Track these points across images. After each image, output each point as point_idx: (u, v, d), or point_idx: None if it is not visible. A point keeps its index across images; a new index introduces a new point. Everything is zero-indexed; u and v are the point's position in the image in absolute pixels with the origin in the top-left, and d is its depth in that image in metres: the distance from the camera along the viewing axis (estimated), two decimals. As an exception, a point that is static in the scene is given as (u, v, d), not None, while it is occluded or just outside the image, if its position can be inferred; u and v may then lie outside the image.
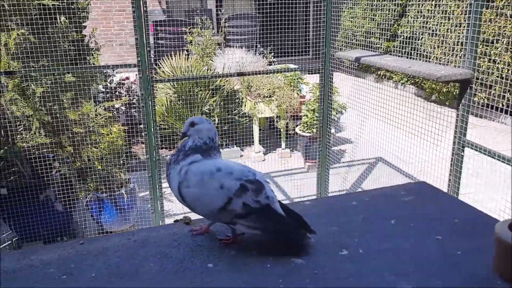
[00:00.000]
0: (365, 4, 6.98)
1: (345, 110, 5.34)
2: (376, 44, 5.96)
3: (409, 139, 3.57)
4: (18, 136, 3.53)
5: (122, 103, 5.67)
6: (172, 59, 5.75)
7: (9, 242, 3.82)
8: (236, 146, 5.67)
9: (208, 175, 1.16)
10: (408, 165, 4.51)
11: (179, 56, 5.76)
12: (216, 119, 5.48)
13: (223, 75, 4.70)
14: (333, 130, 5.19)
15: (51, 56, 3.43)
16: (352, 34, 6.58)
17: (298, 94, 5.65)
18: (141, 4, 3.10)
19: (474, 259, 1.08)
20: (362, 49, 4.07)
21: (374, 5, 6.35)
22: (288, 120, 5.45)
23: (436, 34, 5.72)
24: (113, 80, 5.88)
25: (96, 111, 3.78)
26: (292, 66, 5.70)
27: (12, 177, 3.74)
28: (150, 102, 3.26)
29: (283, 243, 1.14)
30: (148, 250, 1.16)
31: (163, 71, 5.75)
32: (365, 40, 5.43)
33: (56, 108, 3.54)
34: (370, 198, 1.41)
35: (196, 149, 1.21)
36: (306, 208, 1.36)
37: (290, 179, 4.89)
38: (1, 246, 3.73)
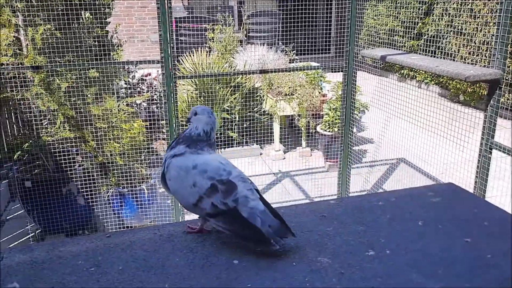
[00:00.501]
0: (389, 2, 6.89)
1: (367, 109, 5.29)
2: (400, 42, 5.88)
3: (432, 140, 3.51)
4: (43, 130, 3.59)
5: (144, 99, 5.73)
6: (193, 55, 5.77)
7: (33, 234, 3.90)
8: (256, 144, 5.66)
9: (184, 171, 1.18)
10: (431, 167, 4.44)
11: (201, 52, 5.78)
12: (237, 117, 5.49)
13: (245, 72, 4.70)
14: (354, 130, 5.14)
15: (76, 52, 3.47)
16: (375, 32, 6.51)
17: (319, 93, 5.62)
18: (166, 0, 3.12)
19: (506, 263, 1.05)
20: (385, 47, 4.03)
21: (398, 3, 6.27)
22: (309, 118, 5.42)
23: (462, 33, 5.61)
24: (134, 76, 5.93)
25: (118, 106, 3.82)
26: (313, 64, 5.66)
27: (36, 171, 3.82)
28: (172, 98, 3.27)
29: (252, 246, 1.12)
30: (174, 244, 1.16)
31: (184, 68, 5.78)
32: (388, 39, 5.36)
33: (80, 103, 3.59)
34: (397, 198, 1.39)
35: (188, 139, 1.24)
36: (330, 206, 1.35)
37: (310, 178, 4.86)
38: (24, 238, 3.82)
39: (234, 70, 5.66)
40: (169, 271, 1.04)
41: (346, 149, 3.84)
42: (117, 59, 3.99)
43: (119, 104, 3.84)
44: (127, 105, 3.98)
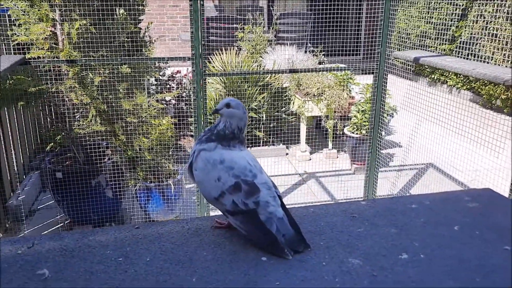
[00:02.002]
0: (421, 5, 6.76)
1: (395, 112, 5.20)
2: (431, 46, 5.75)
3: (463, 145, 3.42)
4: (75, 123, 3.65)
5: (173, 96, 5.78)
6: (223, 54, 5.79)
7: (62, 224, 3.98)
8: (282, 144, 5.64)
9: (211, 164, 1.17)
10: (460, 173, 4.33)
11: (230, 51, 5.79)
12: (264, 116, 5.48)
13: (274, 71, 4.68)
14: (382, 133, 5.06)
15: (109, 47, 3.53)
16: (406, 35, 6.39)
17: (347, 95, 5.55)
18: (199, -1, 3.13)
19: (548, 274, 1.00)
20: (416, 50, 3.94)
21: (431, 6, 6.14)
22: (336, 120, 5.37)
23: (497, 36, 5.44)
24: (165, 73, 6.00)
25: (148, 102, 3.86)
26: (342, 65, 5.60)
27: (67, 162, 3.90)
28: (201, 95, 3.29)
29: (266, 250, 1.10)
30: (202, 238, 1.16)
31: (213, 66, 5.80)
32: (419, 42, 5.25)
33: (112, 98, 3.64)
34: (431, 202, 1.35)
35: (220, 137, 1.21)
36: (362, 207, 1.32)
37: (335, 180, 4.81)
38: (54, 228, 3.90)
39: (264, 69, 5.65)
40: (196, 265, 1.04)
41: (374, 152, 3.78)
42: (148, 56, 4.04)
43: (149, 100, 3.88)
44: (157, 101, 4.02)
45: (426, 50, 3.72)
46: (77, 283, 0.97)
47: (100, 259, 1.06)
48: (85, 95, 3.47)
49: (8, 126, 4.25)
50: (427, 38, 6.01)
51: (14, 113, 4.38)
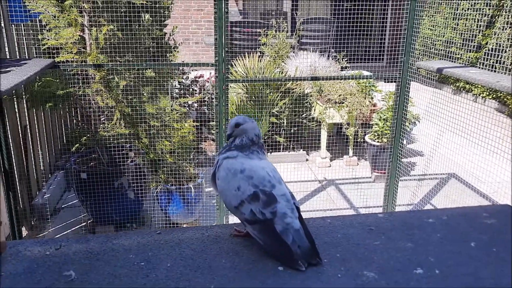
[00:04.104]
0: (447, 13, 6.68)
1: (418, 121, 5.15)
2: (457, 54, 5.69)
3: (486, 157, 3.37)
4: (100, 125, 3.75)
5: (195, 100, 5.86)
6: (245, 59, 5.84)
7: (85, 224, 4.08)
8: (303, 150, 5.65)
9: (232, 173, 1.21)
10: (483, 184, 4.27)
11: (253, 57, 5.84)
12: (285, 122, 5.50)
13: (295, 78, 4.71)
14: (404, 141, 5.02)
15: (135, 52, 3.61)
16: (431, 43, 6.32)
17: (370, 102, 5.53)
18: (223, 5, 3.18)
19: None
20: (440, 58, 3.91)
21: (457, 14, 6.07)
22: (357, 127, 5.35)
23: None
24: (188, 77, 6.08)
25: (171, 106, 3.93)
26: (365, 72, 5.59)
27: (92, 163, 3.99)
28: (223, 100, 3.33)
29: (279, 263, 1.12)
30: (221, 246, 1.19)
31: (236, 71, 5.86)
32: (445, 50, 5.19)
33: (136, 101, 3.72)
34: (449, 217, 1.35)
35: (240, 147, 1.26)
36: (379, 220, 1.33)
37: (355, 187, 4.79)
38: (77, 227, 3.99)
39: (285, 75, 5.68)
40: (215, 273, 1.07)
41: (395, 161, 3.76)
42: (172, 60, 4.12)
43: (172, 104, 3.95)
44: (180, 105, 4.09)
45: (451, 58, 3.68)
46: (101, 286, 1.02)
47: (123, 263, 1.10)
48: (110, 99, 3.56)
49: (36, 126, 4.38)
50: (453, 46, 5.94)
51: (42, 114, 4.51)
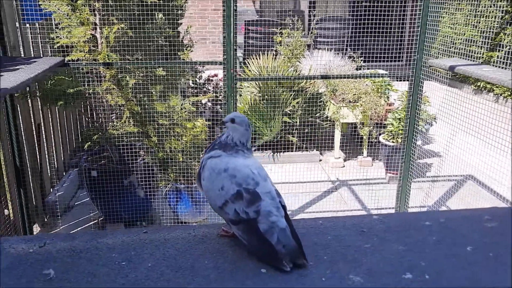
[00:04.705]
0: (468, 10, 6.52)
1: (434, 121, 5.04)
2: (477, 53, 5.54)
3: (504, 160, 3.27)
4: (110, 123, 3.77)
5: (208, 99, 5.86)
6: (259, 58, 5.81)
7: (95, 221, 4.11)
8: (316, 150, 5.59)
9: (216, 173, 1.19)
10: (501, 187, 4.14)
11: (267, 56, 5.80)
12: (297, 121, 5.45)
13: (307, 77, 4.65)
14: (419, 142, 4.92)
15: (146, 50, 3.61)
16: (451, 41, 6.18)
17: (385, 101, 5.44)
18: (232, 4, 3.16)
19: None
20: (460, 57, 3.80)
21: (478, 11, 5.91)
22: (371, 127, 5.26)
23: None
24: (201, 76, 6.08)
25: (182, 105, 3.92)
26: (381, 71, 5.50)
27: (102, 161, 4.02)
28: (232, 100, 3.31)
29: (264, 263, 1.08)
30: (206, 246, 1.16)
31: (250, 70, 5.83)
32: (465, 49, 5.05)
33: (146, 100, 3.73)
34: (447, 219, 1.30)
35: (223, 146, 1.25)
36: (373, 222, 1.28)
37: (368, 188, 4.71)
38: (87, 225, 4.03)
39: (298, 74, 5.62)
40: (196, 273, 1.04)
41: (408, 162, 3.68)
42: (183, 59, 4.11)
43: (182, 103, 3.95)
44: (192, 104, 4.08)
45: (471, 57, 3.57)
46: (80, 285, 1.00)
47: (105, 262, 1.09)
48: (120, 97, 3.57)
49: (51, 124, 4.44)
50: (472, 45, 5.79)
51: (57, 112, 4.57)
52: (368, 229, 1.24)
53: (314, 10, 9.51)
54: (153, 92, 3.75)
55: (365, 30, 4.52)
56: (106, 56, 3.57)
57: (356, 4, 4.69)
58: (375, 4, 4.20)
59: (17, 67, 2.69)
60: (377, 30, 4.39)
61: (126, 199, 3.85)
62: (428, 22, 3.24)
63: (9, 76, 2.42)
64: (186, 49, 4.14)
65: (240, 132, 1.26)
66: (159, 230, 1.24)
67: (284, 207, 1.15)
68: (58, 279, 1.02)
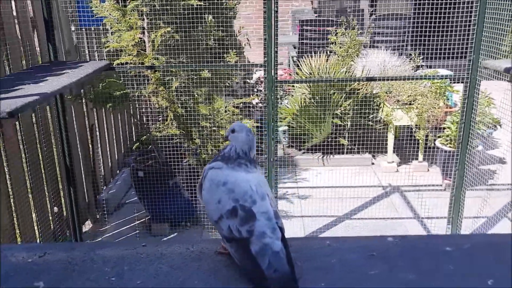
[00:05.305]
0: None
1: (499, 125, 4.67)
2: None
3: None
4: (152, 125, 3.84)
5: (258, 100, 5.83)
6: (312, 59, 5.69)
7: (142, 220, 4.22)
8: (368, 153, 5.38)
9: (215, 185, 1.14)
10: None
11: (320, 56, 5.67)
12: (348, 123, 5.27)
13: (354, 79, 4.50)
14: (480, 147, 4.58)
15: (192, 53, 3.62)
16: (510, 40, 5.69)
17: (444, 103, 5.12)
18: (272, 4, 3.10)
19: None
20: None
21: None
22: (428, 130, 4.98)
23: None
24: (252, 77, 6.09)
25: (226, 107, 3.91)
26: (443, 71, 5.18)
27: (149, 162, 4.12)
28: (272, 102, 3.25)
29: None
30: (201, 264, 1.12)
31: (300, 70, 5.73)
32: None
33: (190, 102, 3.76)
34: (472, 245, 1.15)
35: (226, 158, 1.19)
36: (386, 245, 1.17)
37: (422, 196, 4.45)
38: (133, 224, 4.14)
39: (351, 75, 5.43)
40: (183, 294, 1.00)
41: (462, 169, 3.42)
42: (229, 62, 4.10)
43: (226, 105, 3.94)
44: (238, 105, 4.06)
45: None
46: (65, 299, 0.99)
47: (96, 276, 1.07)
48: (164, 99, 3.63)
49: (105, 125, 4.61)
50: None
51: (111, 114, 4.74)
52: (378, 253, 1.13)
53: (374, 8, 9.18)
54: (196, 95, 3.77)
55: (429, 28, 4.25)
56: (152, 59, 3.65)
57: (419, 1, 4.43)
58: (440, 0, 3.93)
59: (63, 71, 2.80)
60: (442, 28, 4.11)
61: (171, 199, 3.91)
62: (489, 19, 2.98)
63: (53, 80, 2.52)
64: (233, 52, 4.11)
65: (241, 139, 1.20)
66: (157, 244, 1.21)
67: (281, 228, 1.08)
68: (45, 292, 1.01)
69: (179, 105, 3.71)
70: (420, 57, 5.49)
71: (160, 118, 3.97)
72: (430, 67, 5.63)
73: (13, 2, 3.17)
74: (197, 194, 1.24)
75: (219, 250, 1.17)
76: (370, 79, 4.21)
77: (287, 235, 1.10)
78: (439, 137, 4.88)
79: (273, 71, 3.19)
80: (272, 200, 1.14)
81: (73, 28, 4.08)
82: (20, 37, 3.20)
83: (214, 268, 1.10)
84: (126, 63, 3.65)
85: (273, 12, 3.09)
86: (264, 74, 3.23)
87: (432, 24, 4.24)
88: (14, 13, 3.18)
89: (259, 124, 4.33)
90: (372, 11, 7.15)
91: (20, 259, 1.15)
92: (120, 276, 1.07)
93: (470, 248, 1.14)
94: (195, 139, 3.82)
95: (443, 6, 3.88)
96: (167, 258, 1.14)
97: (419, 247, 1.17)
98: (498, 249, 1.14)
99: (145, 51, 3.77)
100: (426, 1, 4.06)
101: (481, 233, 1.18)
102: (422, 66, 5.65)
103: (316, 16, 9.48)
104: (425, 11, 4.14)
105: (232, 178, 1.14)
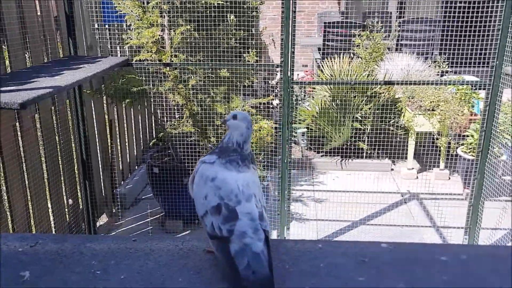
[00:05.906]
0: None
1: (525, 135, 4.51)
2: None
3: None
4: (167, 122, 3.86)
5: (279, 100, 5.80)
6: (334, 61, 5.63)
7: (157, 216, 4.24)
8: (388, 159, 5.28)
9: (203, 180, 1.13)
10: None
11: (342, 58, 5.60)
12: (368, 127, 5.19)
13: (372, 82, 4.42)
14: (504, 157, 4.43)
15: (211, 52, 3.62)
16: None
17: (469, 110, 4.98)
18: (291, 4, 3.07)
19: None
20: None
21: None
22: (450, 138, 4.85)
23: None
24: (275, 77, 6.06)
25: (243, 106, 3.90)
26: (468, 78, 5.05)
27: (165, 159, 4.14)
28: (287, 103, 3.22)
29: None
30: (187, 262, 1.10)
31: (322, 72, 5.68)
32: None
33: (207, 100, 3.77)
34: (468, 256, 1.11)
35: (223, 149, 1.17)
36: (378, 251, 1.13)
37: (442, 204, 4.34)
38: (147, 220, 4.17)
39: (373, 78, 5.35)
40: (164, 291, 0.99)
41: (481, 178, 3.32)
42: (248, 61, 4.09)
43: (243, 105, 3.93)
44: (257, 105, 4.04)
45: None
46: (48, 290, 1.00)
47: (82, 269, 1.07)
48: (181, 97, 3.65)
49: (125, 120, 4.67)
50: None
51: (132, 109, 4.79)
52: (370, 259, 1.10)
53: (403, 11, 9.01)
54: (213, 94, 3.77)
55: (457, 32, 4.14)
56: (169, 56, 3.67)
57: (449, 5, 4.31)
58: (472, 4, 3.81)
59: (81, 66, 2.85)
60: (471, 33, 3.98)
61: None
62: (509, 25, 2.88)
63: (68, 74, 2.57)
64: (251, 52, 4.10)
65: (240, 129, 1.18)
66: (148, 239, 1.21)
67: (265, 231, 1.06)
68: (29, 282, 1.02)
69: (196, 103, 3.72)
70: (446, 63, 5.36)
71: (177, 116, 3.99)
72: (456, 73, 5.48)
73: (37, 2, 3.24)
74: (188, 187, 1.23)
75: (208, 248, 1.16)
76: (389, 83, 4.13)
77: (301, 237, 1.08)
78: (461, 145, 4.75)
79: (289, 72, 3.17)
80: (260, 202, 1.11)
81: (96, 26, 4.15)
82: (42, 33, 3.27)
83: (199, 267, 1.08)
84: (145, 59, 3.69)
85: (291, 12, 3.06)
86: (281, 74, 3.20)
87: (459, 29, 4.13)
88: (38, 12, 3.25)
89: (277, 125, 4.31)
90: (397, 14, 7.01)
91: (12, 248, 1.16)
92: (105, 270, 1.07)
93: (467, 260, 1.10)
94: (210, 138, 3.82)
95: (472, 10, 3.76)
96: (154, 255, 1.13)
97: (414, 255, 1.12)
98: (497, 262, 1.09)
99: (164, 49, 3.80)
100: (456, 5, 3.95)
101: (482, 244, 1.12)
102: (448, 71, 5.51)
103: (343, 18, 9.38)
104: (455, 15, 4.03)
105: (221, 175, 1.12)
